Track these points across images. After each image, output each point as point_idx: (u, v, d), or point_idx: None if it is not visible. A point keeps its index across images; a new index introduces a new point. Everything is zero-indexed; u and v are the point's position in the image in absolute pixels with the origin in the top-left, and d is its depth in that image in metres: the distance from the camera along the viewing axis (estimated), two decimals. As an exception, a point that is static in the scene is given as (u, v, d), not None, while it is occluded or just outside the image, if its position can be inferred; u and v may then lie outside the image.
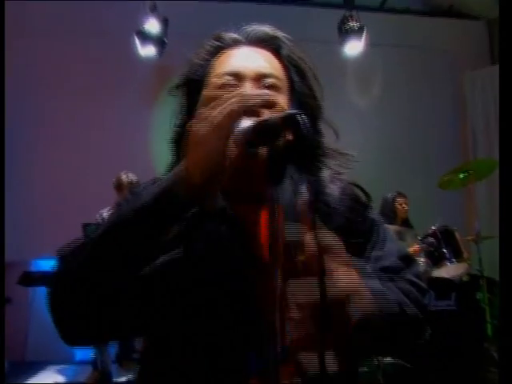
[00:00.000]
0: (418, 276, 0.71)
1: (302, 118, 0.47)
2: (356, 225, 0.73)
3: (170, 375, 0.64)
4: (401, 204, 3.61)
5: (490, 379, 2.55)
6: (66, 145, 3.95)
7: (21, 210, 3.69)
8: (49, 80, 3.99)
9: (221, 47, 0.80)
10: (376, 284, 0.61)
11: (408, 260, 0.73)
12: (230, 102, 0.53)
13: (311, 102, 0.79)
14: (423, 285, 0.70)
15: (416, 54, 4.43)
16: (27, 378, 2.79)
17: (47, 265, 3.58)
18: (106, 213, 3.30)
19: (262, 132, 0.51)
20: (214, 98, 0.66)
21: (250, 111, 0.56)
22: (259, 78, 0.73)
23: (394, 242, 0.77)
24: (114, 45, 3.90)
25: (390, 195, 3.65)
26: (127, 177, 3.31)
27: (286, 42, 0.80)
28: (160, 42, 3.78)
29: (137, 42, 3.76)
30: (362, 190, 0.80)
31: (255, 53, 0.77)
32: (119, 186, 3.31)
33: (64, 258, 0.61)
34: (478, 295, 3.15)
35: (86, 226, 2.50)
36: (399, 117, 4.36)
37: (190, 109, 0.81)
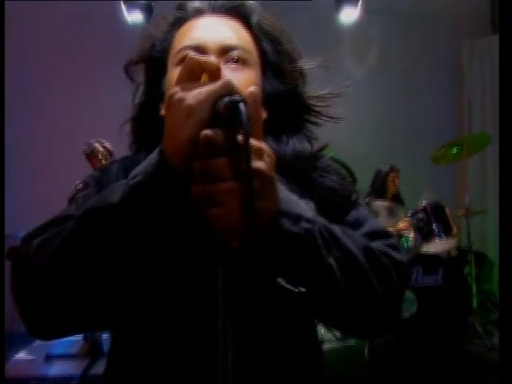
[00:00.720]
0: (392, 246, 0.63)
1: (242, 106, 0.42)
2: (335, 195, 0.69)
3: (138, 374, 0.62)
4: (393, 179, 3.58)
5: (473, 351, 2.61)
6: (56, 117, 3.86)
7: (10, 182, 3.63)
8: (33, 51, 3.85)
9: (183, 18, 0.71)
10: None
11: (383, 233, 0.66)
12: (210, 86, 0.47)
13: (289, 69, 0.73)
14: (398, 257, 0.61)
15: (414, 22, 4.27)
16: (18, 351, 2.83)
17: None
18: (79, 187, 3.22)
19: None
20: (180, 79, 0.62)
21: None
22: (224, 51, 0.65)
23: (370, 218, 0.72)
24: (99, 11, 3.74)
25: (383, 169, 3.61)
26: (100, 145, 3.18)
27: (255, 9, 0.72)
28: (147, 7, 3.62)
29: (123, 8, 3.60)
30: (346, 167, 0.76)
31: (220, 23, 0.69)
32: (90, 154, 3.19)
33: (30, 246, 0.56)
34: (466, 270, 3.18)
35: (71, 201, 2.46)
36: (394, 88, 4.25)
37: (151, 87, 0.75)
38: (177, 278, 0.58)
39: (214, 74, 0.52)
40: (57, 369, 2.53)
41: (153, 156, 0.52)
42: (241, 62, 0.66)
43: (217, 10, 0.71)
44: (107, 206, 0.51)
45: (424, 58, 4.29)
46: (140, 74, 0.79)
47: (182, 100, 0.47)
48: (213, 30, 0.68)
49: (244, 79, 0.65)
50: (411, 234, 3.10)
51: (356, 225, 0.67)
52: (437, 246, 2.80)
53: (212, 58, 0.54)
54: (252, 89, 0.50)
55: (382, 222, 2.90)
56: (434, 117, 4.24)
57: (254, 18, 0.71)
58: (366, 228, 0.66)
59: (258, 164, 0.46)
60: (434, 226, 2.79)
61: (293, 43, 0.74)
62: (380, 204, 2.97)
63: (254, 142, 0.46)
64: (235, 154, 0.45)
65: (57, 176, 3.56)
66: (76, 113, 3.84)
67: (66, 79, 3.91)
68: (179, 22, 0.72)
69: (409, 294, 2.58)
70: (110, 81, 3.73)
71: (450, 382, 2.21)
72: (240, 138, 0.45)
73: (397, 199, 3.59)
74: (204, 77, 0.52)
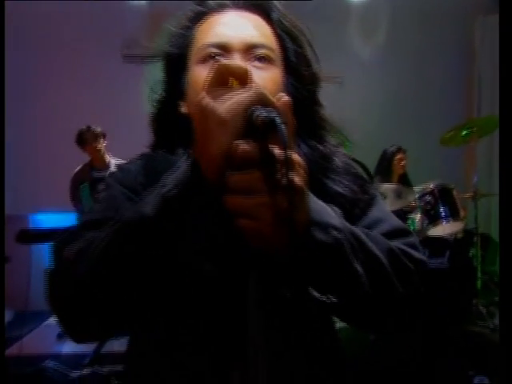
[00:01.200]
0: (412, 246, 0.64)
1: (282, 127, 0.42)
2: (354, 198, 0.69)
3: (158, 375, 0.63)
4: (399, 160, 3.55)
5: (476, 332, 2.66)
6: (60, 97, 3.81)
7: (18, 164, 3.64)
8: (33, 31, 3.78)
9: (204, 12, 0.70)
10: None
11: (403, 231, 0.67)
12: (241, 95, 0.46)
13: (308, 72, 0.72)
14: (417, 255, 0.63)
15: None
16: (31, 329, 2.91)
17: (45, 220, 3.61)
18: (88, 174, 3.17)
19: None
20: (200, 84, 0.62)
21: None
22: (249, 49, 0.64)
23: (391, 216, 0.73)
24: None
25: (389, 150, 3.58)
26: (88, 130, 3.14)
27: (278, 5, 0.71)
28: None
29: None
30: (363, 166, 0.76)
31: (243, 18, 0.67)
32: (82, 140, 3.15)
33: (64, 257, 0.57)
34: (471, 252, 3.20)
35: (81, 186, 2.47)
36: (404, 66, 4.17)
37: (171, 85, 0.74)
38: (209, 286, 0.58)
39: (243, 77, 0.51)
40: (69, 347, 2.61)
41: (185, 167, 0.52)
42: (265, 60, 0.65)
43: (239, 5, 0.69)
44: (143, 219, 0.51)
45: (435, 35, 4.19)
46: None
47: (213, 111, 0.47)
48: (237, 27, 0.66)
49: (269, 79, 0.64)
50: (418, 216, 3.10)
51: (376, 223, 0.67)
52: (443, 229, 2.81)
53: (240, 62, 0.53)
54: (285, 98, 0.49)
55: (390, 204, 2.90)
56: (443, 96, 4.17)
57: (276, 15, 0.70)
58: (385, 226, 0.67)
59: (294, 178, 0.46)
60: (441, 209, 2.79)
61: (311, 46, 0.73)
62: (387, 186, 2.96)
63: (291, 156, 0.46)
64: (270, 167, 0.45)
65: (61, 159, 3.56)
66: (77, 97, 3.80)
67: (66, 65, 3.84)
68: (200, 16, 0.70)
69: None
70: (111, 65, 3.72)
71: (452, 362, 2.26)
72: (276, 151, 0.45)
73: (404, 181, 3.57)
74: (232, 81, 0.51)
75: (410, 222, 3.13)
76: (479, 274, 2.96)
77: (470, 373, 2.20)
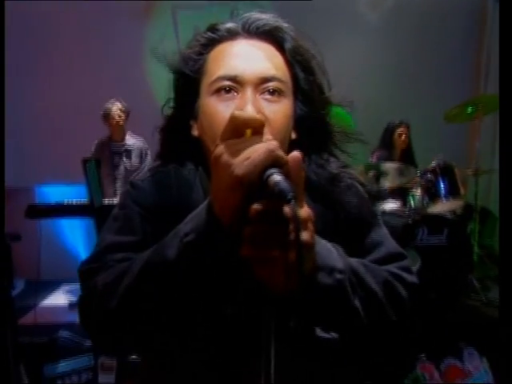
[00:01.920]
0: (405, 269, 0.71)
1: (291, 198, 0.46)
2: (357, 218, 0.74)
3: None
4: (400, 135, 3.54)
5: (470, 306, 2.77)
6: (69, 75, 3.75)
7: (24, 137, 3.65)
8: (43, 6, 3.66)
9: (216, 40, 0.71)
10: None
11: (398, 256, 0.74)
12: (256, 155, 0.50)
13: (319, 98, 0.75)
14: (410, 279, 0.70)
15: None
16: (43, 298, 3.04)
17: (51, 193, 3.66)
18: (100, 146, 3.28)
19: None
20: (214, 116, 0.67)
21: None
22: (261, 83, 0.66)
23: (388, 239, 0.78)
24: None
25: (391, 124, 3.57)
26: (113, 105, 3.26)
27: (290, 32, 0.72)
28: None
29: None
30: (365, 186, 0.80)
31: (255, 49, 0.69)
32: (106, 115, 3.27)
33: (93, 289, 0.64)
34: (470, 227, 3.27)
35: (86, 163, 2.50)
36: (409, 35, 4.04)
37: (182, 104, 0.76)
38: (228, 323, 0.65)
39: (258, 129, 0.54)
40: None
41: (202, 213, 0.57)
42: (276, 93, 0.67)
43: (251, 33, 0.70)
44: (165, 262, 0.57)
45: (444, 2, 4.04)
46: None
47: (228, 166, 0.50)
48: (248, 59, 0.67)
49: (280, 112, 0.67)
50: (418, 192, 3.14)
51: (373, 247, 0.74)
52: (443, 206, 2.86)
53: (255, 114, 0.56)
54: (296, 155, 0.52)
55: (391, 181, 2.94)
56: (450, 72, 4.08)
57: (289, 44, 0.70)
58: (382, 251, 0.73)
59: (304, 236, 0.51)
60: (442, 187, 2.83)
61: (324, 72, 0.74)
62: (389, 165, 2.98)
63: (300, 213, 0.50)
64: (282, 224, 0.50)
65: (68, 133, 3.57)
66: (90, 70, 3.73)
67: (79, 35, 3.75)
68: (212, 43, 0.71)
69: (412, 253, 2.69)
70: (124, 35, 3.62)
71: (446, 336, 2.38)
72: (287, 210, 0.49)
73: (407, 156, 3.58)
74: (248, 132, 0.54)
75: (410, 197, 3.16)
76: (476, 249, 3.05)
77: (460, 344, 2.32)
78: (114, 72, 3.69)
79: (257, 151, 0.50)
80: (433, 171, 2.91)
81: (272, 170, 0.48)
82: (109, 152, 3.34)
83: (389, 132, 3.55)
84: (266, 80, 0.67)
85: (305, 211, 0.52)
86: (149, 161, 3.32)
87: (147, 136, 3.21)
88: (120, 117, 3.26)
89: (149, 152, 3.35)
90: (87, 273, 0.67)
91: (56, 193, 3.54)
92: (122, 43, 3.66)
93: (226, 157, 0.51)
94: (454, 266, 2.70)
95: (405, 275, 0.69)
